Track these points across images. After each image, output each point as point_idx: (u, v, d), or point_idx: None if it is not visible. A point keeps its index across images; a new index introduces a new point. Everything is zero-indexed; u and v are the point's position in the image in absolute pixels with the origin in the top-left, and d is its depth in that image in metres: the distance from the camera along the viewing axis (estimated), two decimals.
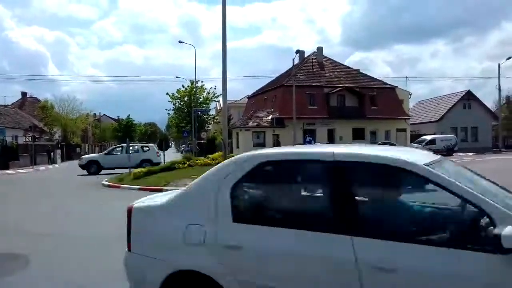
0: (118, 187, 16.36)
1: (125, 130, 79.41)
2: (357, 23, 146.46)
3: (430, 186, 2.80)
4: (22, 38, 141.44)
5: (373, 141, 40.94)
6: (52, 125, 50.84)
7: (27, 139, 38.91)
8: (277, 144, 37.03)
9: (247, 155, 3.41)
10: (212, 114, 48.38)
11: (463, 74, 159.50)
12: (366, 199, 3.23)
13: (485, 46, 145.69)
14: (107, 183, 17.42)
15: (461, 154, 38.60)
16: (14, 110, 49.40)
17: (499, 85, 46.09)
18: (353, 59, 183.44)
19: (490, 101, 61.07)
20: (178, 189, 15.39)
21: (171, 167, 17.70)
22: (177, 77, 60.08)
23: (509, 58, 47.04)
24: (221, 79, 19.85)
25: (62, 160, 44.24)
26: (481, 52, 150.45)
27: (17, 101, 59.73)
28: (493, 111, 52.00)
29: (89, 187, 17.25)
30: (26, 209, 11.82)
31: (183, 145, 51.34)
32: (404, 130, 44.14)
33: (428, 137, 40.44)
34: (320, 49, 46.63)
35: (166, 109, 48.51)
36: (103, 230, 8.30)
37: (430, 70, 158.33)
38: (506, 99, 54.35)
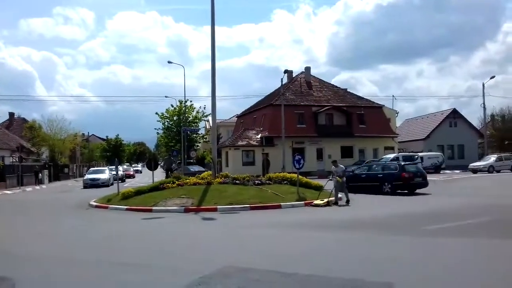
0: (106, 207, 16.24)
1: (114, 150, 78.91)
2: (343, 43, 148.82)
3: None
4: (10, 59, 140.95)
5: (362, 159, 41.26)
6: (40, 146, 50.34)
7: (14, 160, 38.45)
8: (266, 163, 37.10)
9: None
10: (201, 133, 48.41)
11: (448, 92, 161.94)
12: None
13: (469, 66, 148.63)
14: (95, 203, 17.30)
15: (448, 171, 39.10)
16: (1, 131, 48.89)
17: (483, 103, 46.99)
18: (339, 78, 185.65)
19: (475, 119, 61.98)
20: (167, 209, 15.30)
21: (159, 186, 17.58)
22: (166, 96, 60.22)
23: (493, 77, 48.18)
24: (210, 98, 20.22)
25: (50, 181, 43.72)
26: (465, 71, 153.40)
27: (4, 121, 59.19)
28: (478, 129, 52.89)
29: (77, 207, 17.10)
30: (11, 230, 11.68)
31: (173, 164, 51.09)
32: (392, 148, 44.56)
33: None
34: (308, 69, 47.25)
35: (156, 129, 48.54)
36: (90, 254, 8.26)
37: (416, 89, 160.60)
38: (491, 117, 55.31)
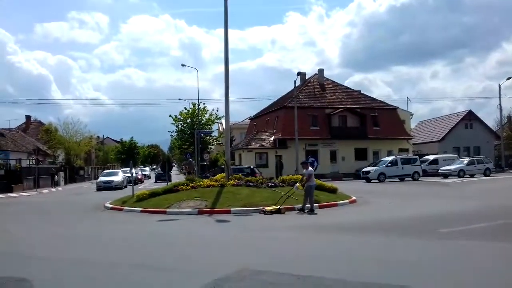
0: (121, 209, 16.39)
1: (128, 152, 79.64)
2: (356, 45, 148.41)
3: None
4: (26, 63, 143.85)
5: (376, 161, 40.95)
6: (56, 148, 51.12)
7: (30, 162, 39.07)
8: (280, 165, 37.05)
9: None
10: (215, 136, 48.51)
11: (463, 94, 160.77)
12: None
13: (485, 67, 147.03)
14: (110, 205, 17.46)
15: None
16: (18, 134, 49.79)
17: (500, 105, 46.40)
18: (353, 80, 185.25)
19: (491, 121, 61.17)
20: (181, 211, 15.32)
21: (174, 189, 17.67)
22: (180, 99, 60.46)
23: (509, 78, 47.37)
24: (223, 101, 20.27)
25: (66, 183, 44.33)
26: (481, 72, 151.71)
27: (21, 124, 60.28)
28: (494, 130, 52.11)
29: (92, 209, 17.29)
30: (29, 232, 11.85)
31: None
32: (407, 150, 44.20)
33: (431, 157, 40.43)
34: (321, 71, 47.15)
35: (169, 131, 48.83)
36: (106, 255, 8.34)
37: (430, 90, 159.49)
38: (507, 119, 54.48)
